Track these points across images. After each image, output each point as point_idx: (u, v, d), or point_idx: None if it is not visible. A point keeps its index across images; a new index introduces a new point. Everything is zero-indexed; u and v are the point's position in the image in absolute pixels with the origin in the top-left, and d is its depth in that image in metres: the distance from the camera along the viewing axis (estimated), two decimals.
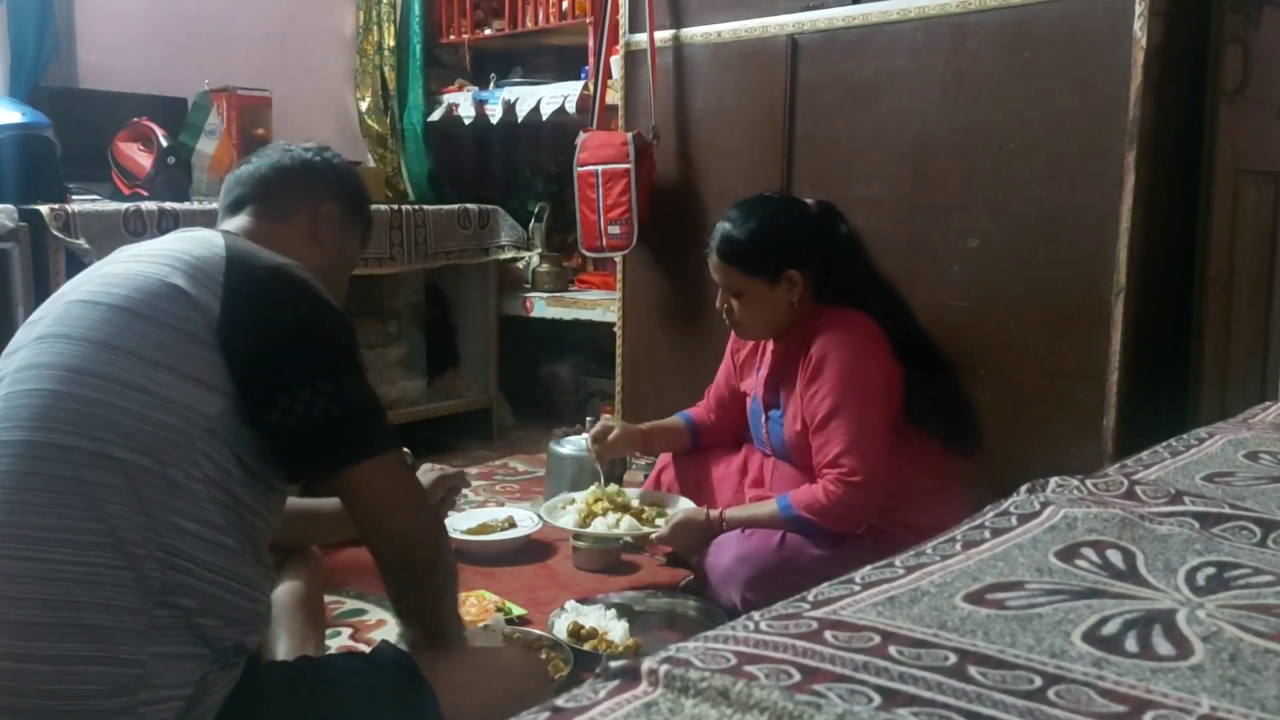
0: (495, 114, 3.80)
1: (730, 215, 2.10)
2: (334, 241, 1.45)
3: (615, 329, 3.14)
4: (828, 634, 0.71)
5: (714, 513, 2.11)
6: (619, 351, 3.12)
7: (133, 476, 1.08)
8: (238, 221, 1.40)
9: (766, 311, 2.09)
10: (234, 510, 1.15)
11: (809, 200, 2.17)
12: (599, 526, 2.21)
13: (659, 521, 2.19)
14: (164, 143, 3.04)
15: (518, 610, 2.08)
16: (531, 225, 3.85)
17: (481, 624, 1.84)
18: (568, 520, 2.25)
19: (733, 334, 2.29)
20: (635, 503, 2.27)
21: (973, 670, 0.66)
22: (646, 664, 0.66)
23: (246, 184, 1.43)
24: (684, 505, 2.24)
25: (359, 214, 1.52)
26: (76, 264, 2.69)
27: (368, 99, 4.09)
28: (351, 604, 2.13)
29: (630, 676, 0.65)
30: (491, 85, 3.87)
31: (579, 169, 2.95)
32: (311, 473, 1.25)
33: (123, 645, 1.06)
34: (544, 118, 3.64)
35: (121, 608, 1.06)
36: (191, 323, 1.14)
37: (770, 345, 2.19)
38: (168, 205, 2.87)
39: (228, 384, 1.14)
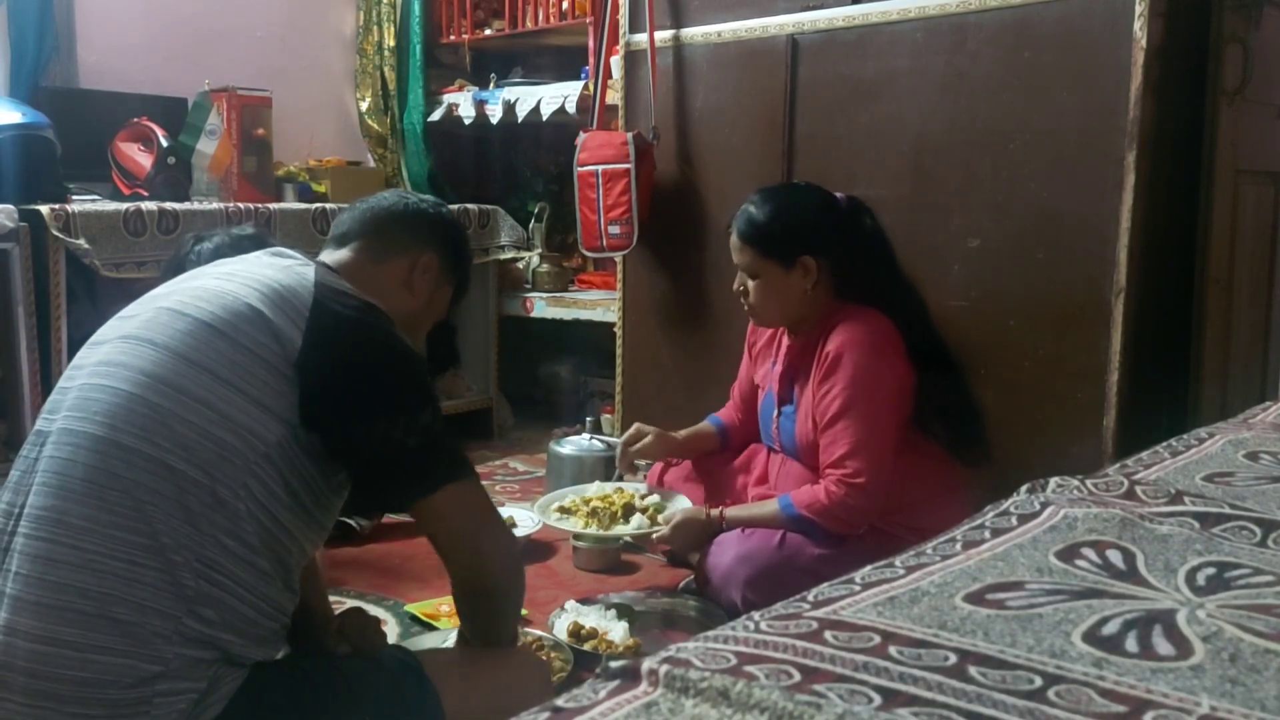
0: (495, 114, 3.79)
1: (754, 198, 2.11)
2: (425, 291, 1.47)
3: (615, 329, 3.14)
4: (828, 634, 0.71)
5: (714, 512, 2.11)
6: (619, 351, 3.12)
7: (183, 488, 1.12)
8: (338, 255, 1.43)
9: (780, 296, 2.08)
10: (274, 535, 1.18)
11: (839, 194, 2.15)
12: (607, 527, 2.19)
13: (660, 520, 2.19)
14: (164, 143, 3.04)
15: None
16: (531, 225, 3.85)
17: None
18: (570, 522, 2.24)
19: (750, 324, 2.29)
20: (639, 500, 2.26)
21: (973, 670, 0.66)
22: (646, 664, 0.66)
23: (356, 221, 1.46)
24: (682, 503, 2.24)
25: (457, 270, 1.54)
26: (76, 264, 2.69)
27: (368, 99, 4.09)
28: (352, 604, 2.12)
29: (630, 677, 0.65)
30: (491, 85, 3.87)
31: (579, 169, 2.95)
32: (390, 502, 1.30)
33: (148, 644, 1.09)
34: (544, 118, 3.64)
35: (152, 609, 1.09)
36: (269, 350, 1.18)
37: (786, 340, 2.18)
38: (168, 205, 2.87)
39: (293, 414, 1.18)
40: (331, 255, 1.44)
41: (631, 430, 2.35)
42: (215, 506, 1.13)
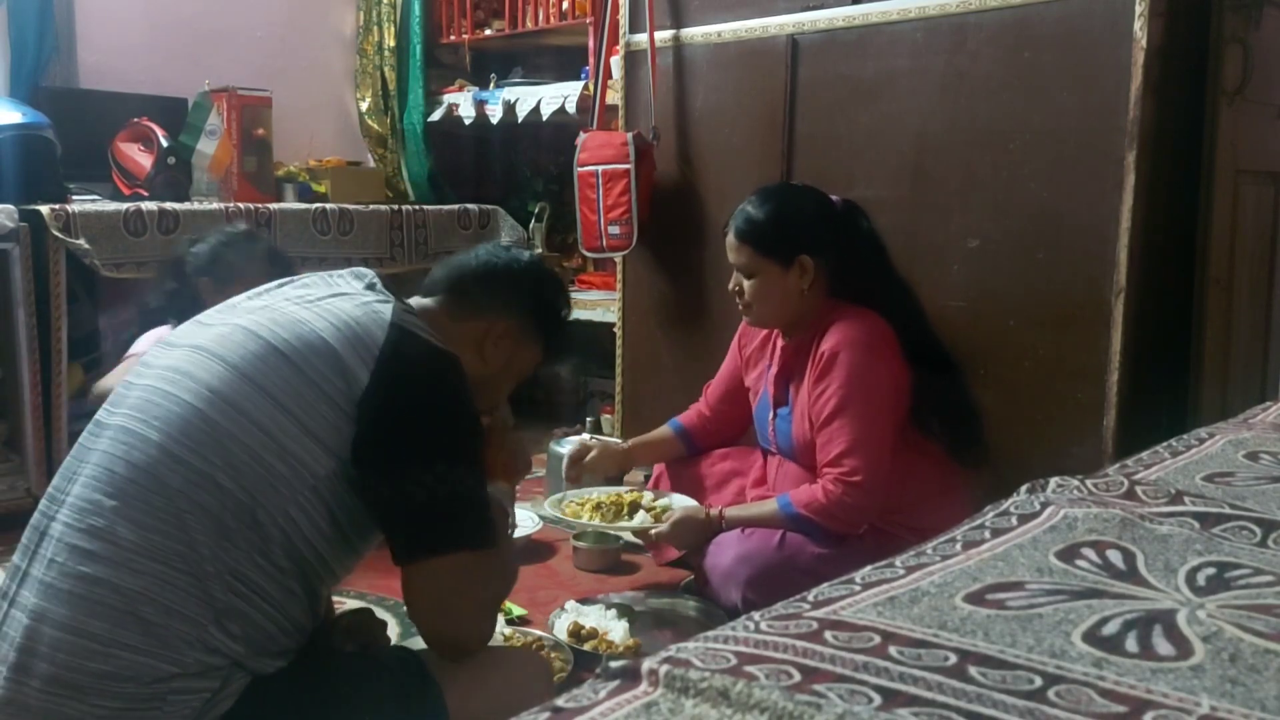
0: (495, 114, 3.80)
1: (752, 198, 2.12)
2: (499, 358, 1.44)
3: (615, 329, 3.14)
4: (828, 634, 0.71)
5: (714, 511, 2.11)
6: (619, 352, 3.12)
7: (225, 505, 1.13)
8: (423, 303, 1.43)
9: (777, 297, 2.08)
10: (308, 560, 1.19)
11: (834, 198, 2.16)
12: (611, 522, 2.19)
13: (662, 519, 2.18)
14: (164, 143, 3.04)
15: (518, 610, 2.08)
16: (531, 225, 3.85)
17: None
18: (571, 511, 2.22)
19: (741, 326, 2.29)
20: (645, 502, 2.25)
21: (973, 670, 0.66)
22: (646, 664, 0.66)
23: (450, 272, 1.47)
24: (680, 502, 2.23)
25: (542, 331, 1.49)
26: (76, 264, 2.70)
27: (368, 99, 4.09)
28: (353, 604, 2.13)
29: (630, 677, 0.65)
30: (492, 85, 3.87)
31: (579, 169, 2.95)
32: (404, 546, 1.23)
33: (171, 646, 1.10)
34: (544, 118, 3.64)
35: (180, 614, 1.11)
36: (334, 386, 1.18)
37: (780, 341, 2.18)
38: (168, 205, 2.87)
39: (346, 450, 1.18)
40: (418, 301, 1.43)
41: (576, 446, 2.35)
42: (253, 526, 1.14)
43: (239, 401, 1.17)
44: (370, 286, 1.32)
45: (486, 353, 1.42)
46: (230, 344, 1.22)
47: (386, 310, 1.25)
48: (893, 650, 0.68)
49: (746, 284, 2.09)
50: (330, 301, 1.26)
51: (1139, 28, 2.07)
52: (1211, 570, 0.84)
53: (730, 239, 2.11)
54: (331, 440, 1.17)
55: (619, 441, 2.39)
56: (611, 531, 2.26)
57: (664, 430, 2.41)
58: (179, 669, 1.11)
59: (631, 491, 2.29)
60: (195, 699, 1.12)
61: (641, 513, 2.19)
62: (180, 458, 1.14)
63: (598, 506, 2.21)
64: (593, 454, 2.31)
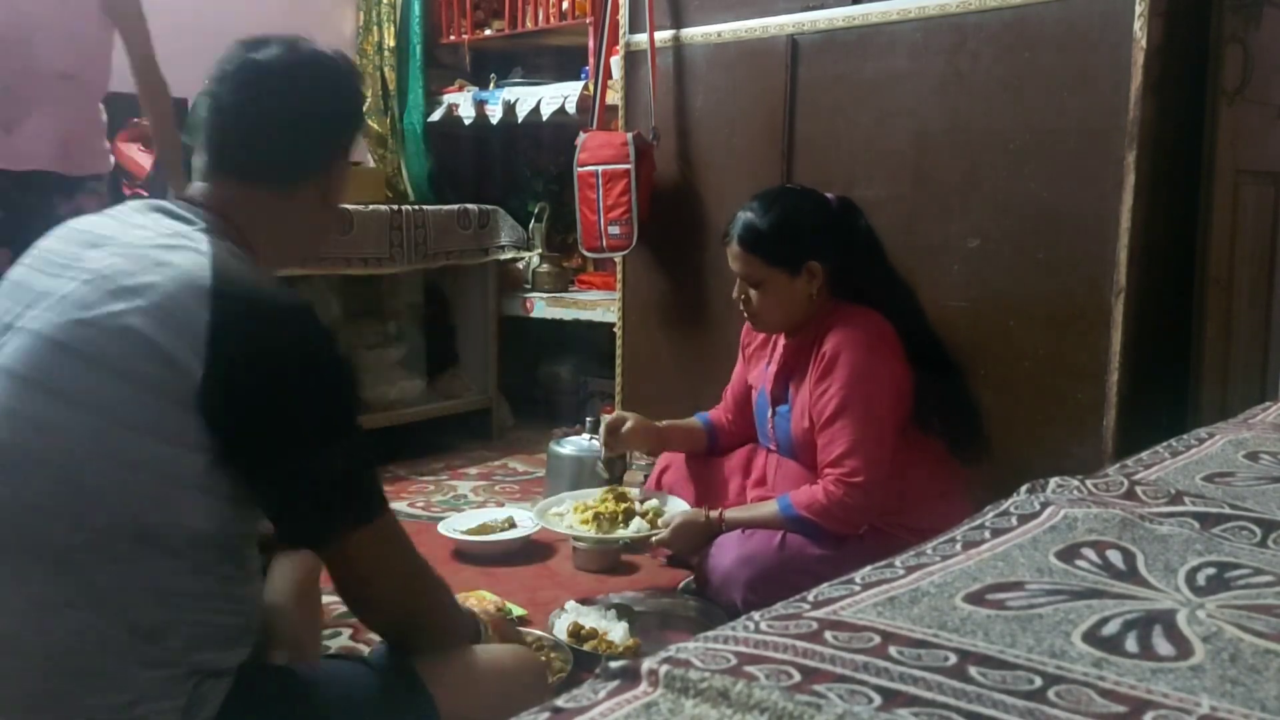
0: (495, 114, 3.80)
1: (752, 205, 2.09)
2: (341, 192, 1.32)
3: (615, 329, 3.14)
4: (828, 634, 0.71)
5: (714, 513, 2.11)
6: (619, 352, 3.12)
7: (113, 540, 1.02)
8: (234, 193, 1.21)
9: (785, 303, 2.08)
10: (229, 540, 1.10)
11: (829, 195, 2.16)
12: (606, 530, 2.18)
13: (659, 524, 2.17)
14: None
15: (518, 611, 2.08)
16: (531, 225, 3.85)
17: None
18: (566, 523, 2.22)
19: (745, 327, 2.29)
20: (637, 505, 2.24)
21: (973, 670, 0.66)
22: (646, 664, 0.66)
23: (251, 136, 1.25)
24: (678, 506, 2.23)
25: (352, 134, 1.34)
26: None
27: (368, 99, 4.08)
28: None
29: (630, 677, 0.65)
30: (491, 85, 3.87)
31: (579, 169, 2.95)
32: (308, 538, 1.16)
33: (114, 680, 1.03)
34: (544, 118, 3.64)
35: (107, 653, 1.03)
36: (166, 382, 1.02)
37: (781, 340, 2.18)
38: None
39: (211, 440, 1.03)
40: (223, 190, 1.21)
41: (613, 416, 2.34)
42: (154, 545, 1.03)
43: (76, 431, 1.02)
44: (171, 215, 1.15)
45: (332, 199, 1.29)
46: (37, 365, 1.04)
47: (203, 273, 1.06)
48: (893, 650, 0.68)
49: (753, 293, 2.08)
50: (133, 270, 1.06)
51: (1139, 28, 2.07)
52: (1211, 570, 0.84)
53: (734, 248, 2.09)
54: (191, 438, 1.02)
55: (646, 421, 2.38)
56: (610, 537, 2.25)
57: (693, 421, 2.41)
58: (134, 695, 1.03)
59: (622, 496, 2.27)
60: (168, 716, 1.05)
61: (637, 519, 2.19)
62: (39, 506, 1.02)
63: (594, 518, 2.20)
64: (629, 426, 2.29)
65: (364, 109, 1.33)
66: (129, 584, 1.03)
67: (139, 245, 1.10)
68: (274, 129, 1.24)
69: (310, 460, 1.08)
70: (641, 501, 2.26)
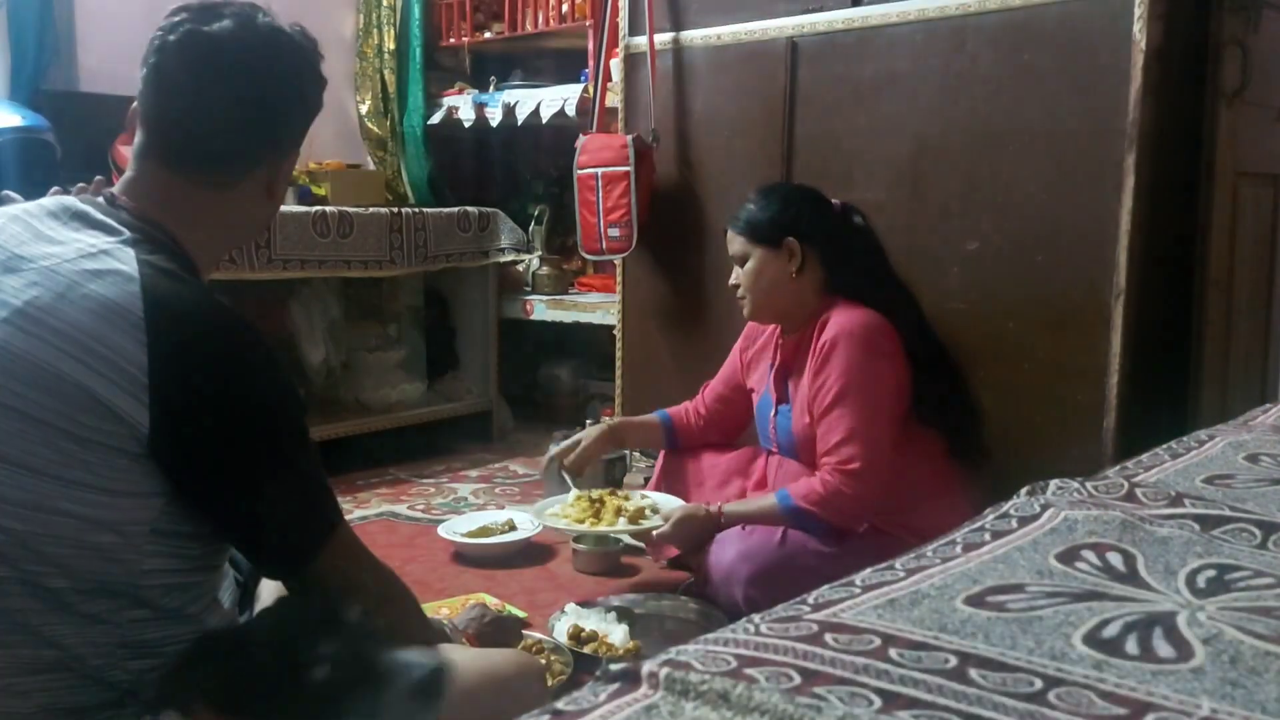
0: (495, 117, 3.80)
1: (750, 195, 2.18)
2: (286, 184, 1.23)
3: (615, 331, 3.14)
4: (828, 636, 0.71)
5: (713, 507, 2.11)
6: (619, 354, 3.12)
7: (77, 601, 0.98)
8: (167, 194, 1.11)
9: (767, 281, 2.11)
10: (198, 576, 1.07)
11: (835, 201, 2.21)
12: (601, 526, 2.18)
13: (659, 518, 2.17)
14: None
15: (518, 613, 2.07)
16: (531, 228, 3.86)
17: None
18: (568, 515, 2.22)
19: (745, 330, 2.32)
20: (630, 506, 2.24)
21: (973, 673, 0.66)
22: (647, 667, 0.66)
23: (179, 130, 1.12)
24: (667, 503, 2.22)
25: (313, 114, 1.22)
26: None
27: (368, 102, 4.09)
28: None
29: (630, 679, 0.65)
30: (491, 88, 3.87)
31: (579, 172, 2.95)
32: (285, 563, 1.12)
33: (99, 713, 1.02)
34: (544, 121, 3.64)
35: (88, 707, 1.01)
36: (110, 435, 0.96)
37: (781, 340, 2.20)
38: None
39: (164, 485, 0.99)
40: (156, 183, 1.11)
41: (562, 445, 2.35)
42: (123, 598, 1.00)
43: (27, 499, 0.96)
44: (90, 224, 1.05)
45: (277, 191, 1.20)
46: None
47: (133, 304, 0.98)
48: (893, 653, 0.68)
49: (739, 271, 2.15)
50: (52, 309, 0.98)
51: (1138, 30, 2.07)
52: (1212, 572, 0.84)
53: (728, 232, 2.18)
54: (143, 486, 0.98)
55: (600, 425, 2.40)
56: (612, 534, 2.25)
57: (651, 417, 2.45)
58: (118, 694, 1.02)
59: (621, 495, 2.27)
60: None
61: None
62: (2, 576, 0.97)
63: (592, 503, 2.20)
64: (582, 445, 2.31)
65: (323, 93, 1.19)
66: (103, 647, 1.00)
67: (59, 270, 1.01)
68: (220, 117, 1.10)
69: (273, 486, 1.04)
70: (639, 501, 2.26)
